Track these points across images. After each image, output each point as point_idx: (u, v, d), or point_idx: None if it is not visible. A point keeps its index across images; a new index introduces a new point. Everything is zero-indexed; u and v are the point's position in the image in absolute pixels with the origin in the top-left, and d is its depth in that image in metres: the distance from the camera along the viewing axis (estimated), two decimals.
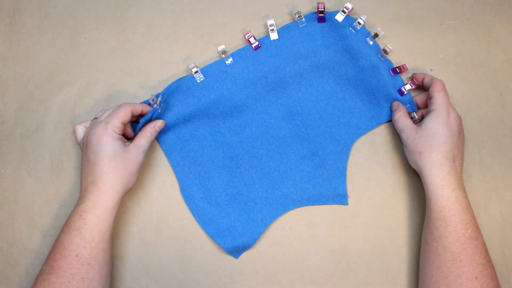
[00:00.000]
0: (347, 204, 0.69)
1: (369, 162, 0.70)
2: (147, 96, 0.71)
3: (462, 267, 0.59)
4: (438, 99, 0.65)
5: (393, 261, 0.68)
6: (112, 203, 0.62)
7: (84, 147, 0.63)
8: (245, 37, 0.70)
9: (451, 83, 0.71)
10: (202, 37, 0.72)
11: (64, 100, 0.71)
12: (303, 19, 0.71)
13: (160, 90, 0.71)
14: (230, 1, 0.73)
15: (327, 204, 0.69)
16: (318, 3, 0.70)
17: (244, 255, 0.68)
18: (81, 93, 0.71)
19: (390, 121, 0.70)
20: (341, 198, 0.69)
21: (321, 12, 0.70)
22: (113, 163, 0.62)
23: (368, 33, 0.71)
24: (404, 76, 0.71)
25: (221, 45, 0.70)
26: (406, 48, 0.72)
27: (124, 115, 0.63)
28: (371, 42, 0.70)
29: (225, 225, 0.68)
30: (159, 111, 0.68)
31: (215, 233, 0.68)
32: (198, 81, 0.70)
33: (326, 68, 0.70)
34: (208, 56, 0.72)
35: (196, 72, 0.70)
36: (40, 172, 0.70)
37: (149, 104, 0.68)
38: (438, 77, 0.71)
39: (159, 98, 0.67)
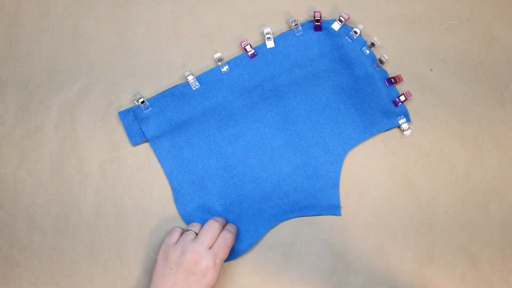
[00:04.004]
0: (340, 215, 0.68)
1: (369, 162, 0.70)
2: (146, 96, 0.71)
3: None
4: None
5: (393, 261, 0.68)
6: None
7: (181, 266, 0.59)
8: (241, 45, 0.70)
9: (451, 83, 0.71)
10: (201, 37, 0.72)
11: (64, 100, 0.71)
12: (300, 28, 0.70)
13: (160, 90, 0.71)
14: (226, 9, 0.73)
15: (320, 215, 0.68)
16: (315, 12, 0.70)
17: (244, 255, 0.68)
18: (81, 93, 0.71)
19: (383, 131, 0.70)
20: (334, 209, 0.68)
21: (318, 20, 0.70)
22: None
23: (364, 43, 0.71)
24: (399, 87, 0.71)
25: (217, 52, 0.70)
26: (406, 48, 0.72)
27: (230, 248, 0.63)
28: (367, 51, 0.70)
29: None
30: (146, 112, 0.69)
31: None
32: (194, 89, 0.70)
33: (322, 77, 0.70)
34: (204, 63, 0.71)
35: (192, 79, 0.69)
36: (40, 172, 0.70)
37: (136, 109, 0.69)
38: (438, 77, 0.72)
39: (143, 99, 0.68)
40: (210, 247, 0.61)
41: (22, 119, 0.71)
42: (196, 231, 0.63)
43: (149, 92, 0.71)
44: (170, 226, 0.68)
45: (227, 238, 0.62)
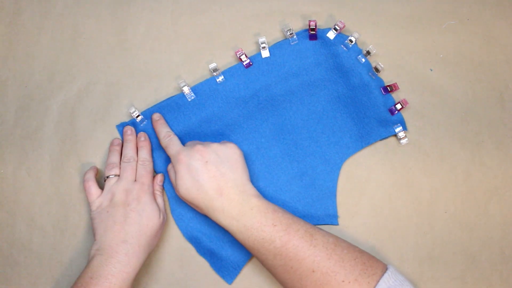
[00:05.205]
0: (337, 224, 0.68)
1: (369, 162, 0.70)
2: (146, 96, 0.71)
3: (295, 272, 0.57)
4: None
5: (393, 261, 0.68)
6: (139, 265, 0.61)
7: (115, 205, 0.63)
8: (236, 54, 0.70)
9: (451, 83, 0.71)
10: (201, 37, 0.72)
11: (64, 100, 0.71)
12: (295, 37, 0.70)
13: (159, 91, 0.71)
14: (226, 9, 0.73)
15: (317, 224, 0.68)
16: (310, 21, 0.70)
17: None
18: (81, 93, 0.71)
19: (380, 140, 0.70)
20: (331, 218, 0.68)
21: (313, 29, 0.70)
22: (150, 224, 0.62)
23: (359, 51, 0.71)
24: (395, 95, 0.71)
25: (212, 62, 0.70)
26: (406, 48, 0.72)
27: (152, 175, 0.67)
28: (363, 60, 0.70)
29: (215, 245, 0.67)
30: (142, 125, 0.69)
31: (206, 253, 0.67)
32: (189, 100, 0.70)
33: (317, 86, 0.70)
34: (203, 64, 0.71)
35: (187, 90, 0.69)
36: (40, 172, 0.70)
37: (132, 123, 0.69)
38: (438, 77, 0.72)
39: (138, 113, 0.69)
40: (135, 181, 0.65)
41: (22, 119, 0.71)
42: (117, 173, 0.65)
43: (148, 93, 0.71)
44: (171, 224, 0.68)
45: (145, 165, 0.66)
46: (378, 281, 0.55)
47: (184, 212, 0.68)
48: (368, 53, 0.70)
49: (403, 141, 0.69)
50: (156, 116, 0.68)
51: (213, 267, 0.67)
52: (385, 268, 0.57)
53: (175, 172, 0.62)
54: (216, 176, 0.60)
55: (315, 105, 0.70)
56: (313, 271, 0.56)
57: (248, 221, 0.59)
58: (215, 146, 0.62)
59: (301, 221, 0.60)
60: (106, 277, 0.58)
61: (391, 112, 0.70)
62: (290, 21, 0.72)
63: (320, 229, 0.60)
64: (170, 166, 0.65)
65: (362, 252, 0.59)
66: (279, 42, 0.71)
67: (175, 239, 0.68)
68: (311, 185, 0.69)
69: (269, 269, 0.60)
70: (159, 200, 0.66)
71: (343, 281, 0.55)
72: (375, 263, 0.58)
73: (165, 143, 0.65)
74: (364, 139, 0.69)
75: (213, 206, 0.60)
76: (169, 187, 0.69)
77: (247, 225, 0.59)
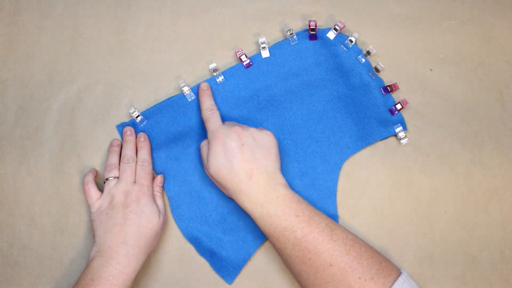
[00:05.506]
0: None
1: (369, 162, 0.70)
2: (146, 96, 0.71)
3: (312, 264, 0.57)
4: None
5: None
6: (139, 266, 0.61)
7: (114, 207, 0.63)
8: (236, 55, 0.70)
9: (451, 83, 0.71)
10: (201, 37, 0.72)
11: (64, 100, 0.71)
12: (295, 37, 0.70)
13: (159, 90, 0.71)
14: (226, 9, 0.73)
15: None
16: (310, 21, 0.70)
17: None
18: (81, 93, 0.71)
19: (380, 140, 0.70)
20: (331, 218, 0.68)
21: (313, 29, 0.70)
22: (149, 225, 0.62)
23: (360, 51, 0.71)
24: (396, 95, 0.71)
25: (212, 62, 0.70)
26: (406, 48, 0.72)
27: (152, 176, 0.67)
28: (363, 60, 0.70)
29: (215, 245, 0.67)
30: (141, 125, 0.69)
31: (206, 253, 0.67)
32: (189, 100, 0.70)
33: (317, 86, 0.70)
34: (203, 64, 0.71)
35: (187, 91, 0.69)
36: (40, 172, 0.70)
37: (132, 124, 0.69)
38: (438, 77, 0.72)
39: (137, 113, 0.68)
40: (134, 182, 0.65)
41: (22, 119, 0.71)
42: (116, 175, 0.65)
43: (148, 93, 0.71)
44: (171, 224, 0.68)
45: (144, 166, 0.66)
46: (393, 283, 0.56)
47: (184, 212, 0.68)
48: (368, 53, 0.70)
49: (403, 141, 0.69)
50: (204, 86, 0.68)
51: (213, 267, 0.67)
52: (399, 272, 0.58)
53: (209, 148, 0.62)
54: (249, 160, 0.60)
55: (315, 105, 0.70)
56: (331, 265, 0.56)
57: (272, 209, 0.59)
58: (253, 131, 0.62)
59: (323, 214, 0.60)
60: (106, 279, 0.58)
61: (391, 112, 0.70)
62: (290, 21, 0.72)
63: (340, 225, 0.60)
64: (204, 142, 0.65)
65: (378, 252, 0.59)
66: (279, 42, 0.71)
67: (175, 239, 0.68)
68: (311, 185, 0.69)
69: (286, 259, 0.60)
70: (159, 201, 0.66)
71: (359, 278, 0.55)
72: (390, 265, 0.58)
73: (206, 116, 0.65)
74: (364, 139, 0.69)
75: (241, 189, 0.60)
76: (169, 187, 0.69)
77: (271, 212, 0.59)
